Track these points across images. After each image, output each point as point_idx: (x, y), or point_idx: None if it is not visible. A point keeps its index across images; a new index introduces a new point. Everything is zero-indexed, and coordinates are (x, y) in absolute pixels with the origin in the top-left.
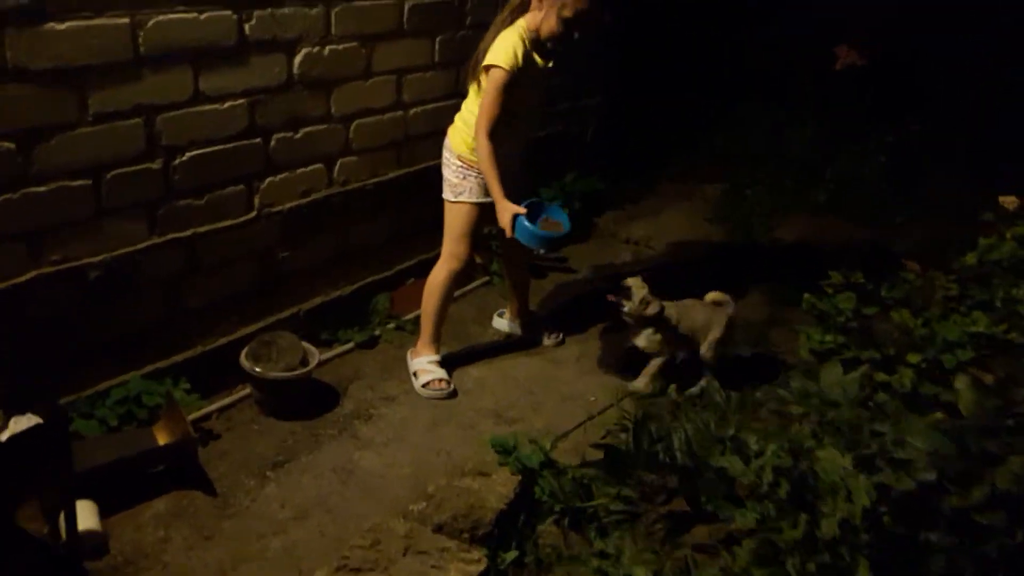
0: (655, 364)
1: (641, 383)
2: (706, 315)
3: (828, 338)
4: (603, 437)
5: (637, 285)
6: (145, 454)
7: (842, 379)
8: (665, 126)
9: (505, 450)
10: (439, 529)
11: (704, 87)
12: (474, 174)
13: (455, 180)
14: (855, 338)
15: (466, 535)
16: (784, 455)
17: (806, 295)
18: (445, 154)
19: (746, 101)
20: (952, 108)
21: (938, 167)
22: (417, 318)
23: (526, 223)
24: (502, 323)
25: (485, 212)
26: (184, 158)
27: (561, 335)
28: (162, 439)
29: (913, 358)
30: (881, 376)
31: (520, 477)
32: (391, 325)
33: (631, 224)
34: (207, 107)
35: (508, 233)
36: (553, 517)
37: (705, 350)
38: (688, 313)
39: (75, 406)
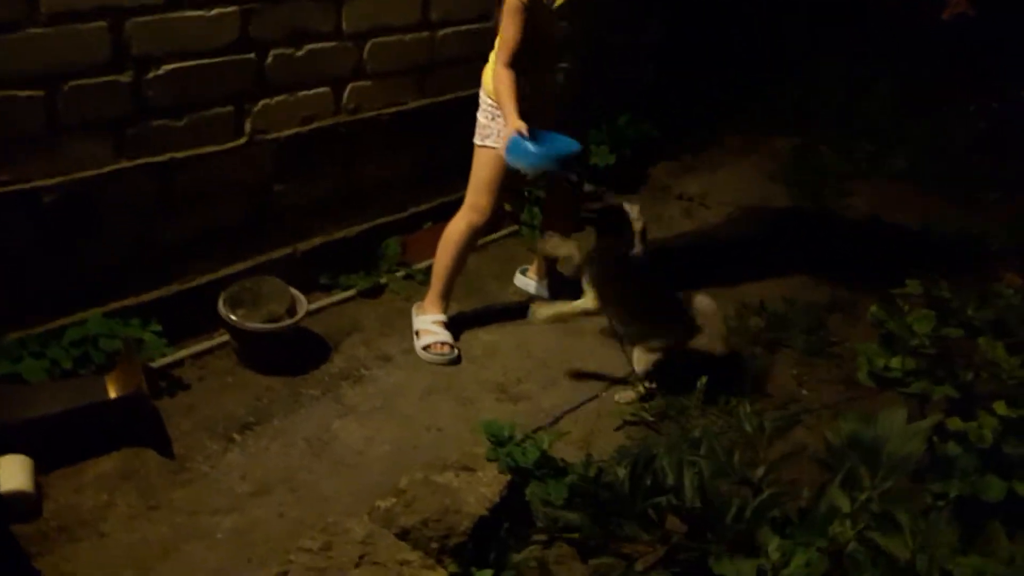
0: (576, 304)
1: (544, 313)
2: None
3: (894, 363)
4: (617, 428)
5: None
6: (87, 409)
7: (905, 432)
8: (734, 74)
9: (498, 440)
10: (404, 535)
11: (778, 32)
12: (495, 111)
13: (483, 121)
14: (927, 366)
15: (435, 545)
16: (818, 560)
17: (873, 307)
18: (480, 94)
19: (826, 51)
20: None
21: None
22: (430, 267)
23: (522, 139)
24: (525, 282)
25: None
26: (160, 71)
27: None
28: (114, 390)
29: (1000, 408)
30: (955, 423)
31: (510, 477)
32: (400, 273)
33: (686, 178)
34: (189, 13)
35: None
36: (541, 539)
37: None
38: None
39: (24, 344)
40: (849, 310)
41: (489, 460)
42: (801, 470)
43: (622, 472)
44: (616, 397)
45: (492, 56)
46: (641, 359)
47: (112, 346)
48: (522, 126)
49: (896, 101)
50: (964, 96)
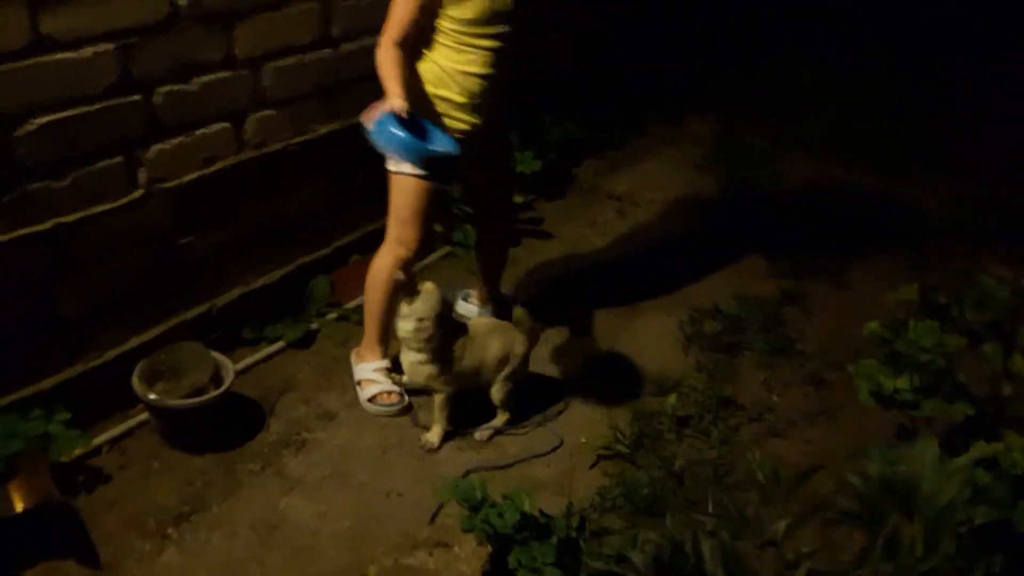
0: (438, 405)
1: (435, 436)
2: (502, 344)
3: (901, 384)
4: (593, 465)
5: (428, 293)
6: None
7: (941, 472)
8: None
9: (472, 504)
10: None
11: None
12: None
13: None
14: (935, 382)
15: None
16: None
17: (870, 324)
18: None
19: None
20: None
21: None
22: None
23: (393, 124)
24: (468, 308)
25: (430, 187)
26: (31, 127)
27: (539, 324)
28: (20, 501)
29: None
30: (982, 447)
31: (490, 548)
32: (332, 315)
33: (614, 176)
34: (59, 56)
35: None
36: None
37: (496, 391)
38: (478, 343)
39: None
40: (800, 301)
41: (464, 531)
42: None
43: (640, 559)
44: (476, 435)
45: None
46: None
47: (10, 448)
48: (402, 106)
49: (821, 80)
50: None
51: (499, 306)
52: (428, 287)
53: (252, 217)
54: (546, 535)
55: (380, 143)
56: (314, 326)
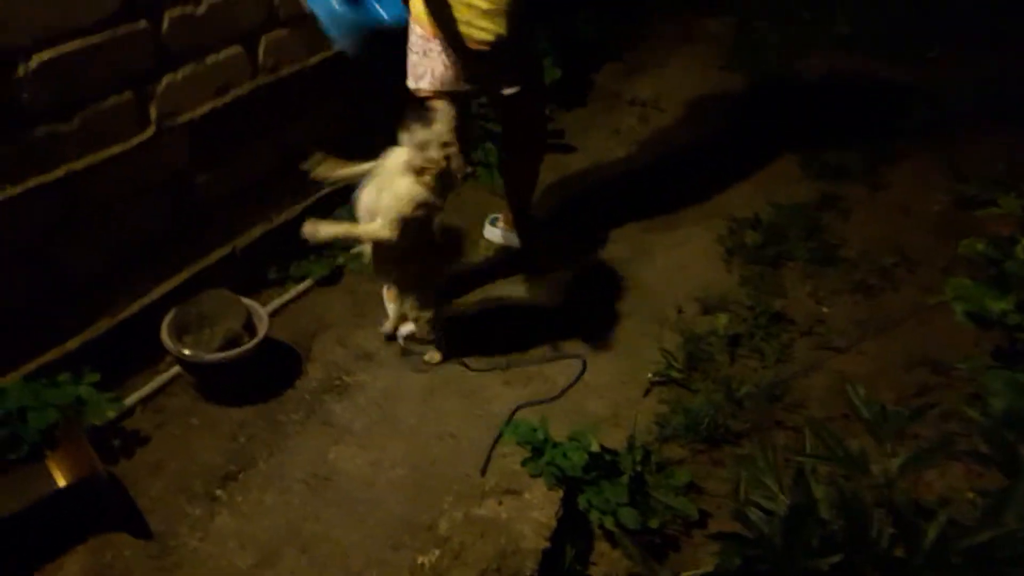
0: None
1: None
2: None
3: (1005, 305)
4: (646, 393)
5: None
6: (34, 507)
7: None
8: None
9: (536, 447)
10: None
11: None
12: (438, 48)
13: (415, 59)
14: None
15: None
16: None
17: (965, 241)
18: (409, 24)
19: None
20: None
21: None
22: None
23: None
24: (495, 232)
25: (460, 105)
26: (32, 65)
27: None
28: (62, 476)
29: None
30: None
31: (561, 492)
32: (356, 248)
33: (634, 80)
34: None
35: None
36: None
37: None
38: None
39: None
40: (838, 204)
41: (532, 476)
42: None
43: (768, 525)
44: (425, 358)
45: None
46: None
47: (45, 419)
48: None
49: None
50: None
51: (528, 230)
52: (439, 104)
53: (269, 149)
54: (615, 473)
55: (317, 15)
56: (340, 261)
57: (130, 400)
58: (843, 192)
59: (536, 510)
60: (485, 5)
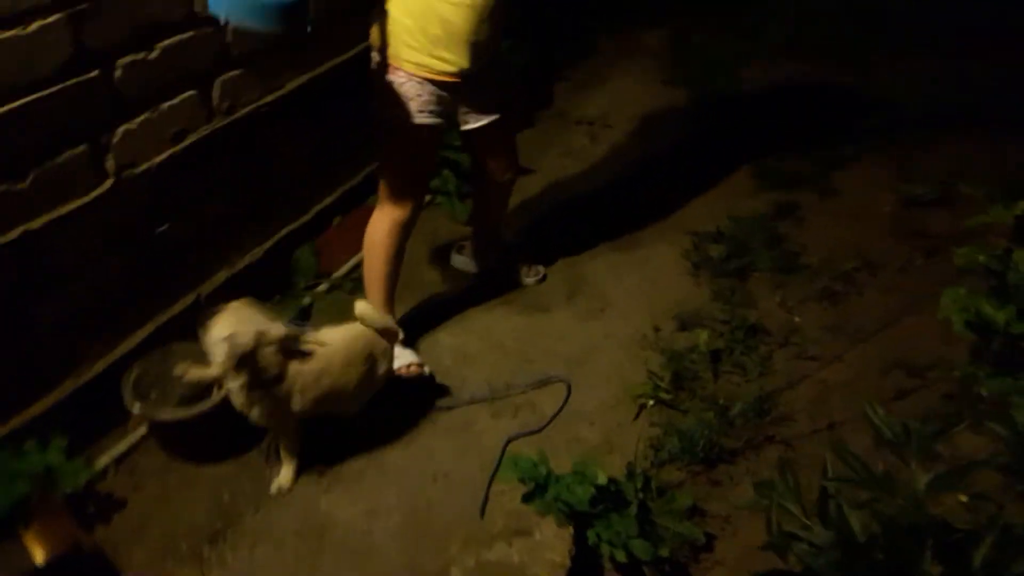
0: (283, 446)
1: (286, 478)
2: (363, 359)
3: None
4: (636, 416)
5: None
6: None
7: None
8: None
9: (537, 483)
10: None
11: None
12: (405, 77)
13: (380, 87)
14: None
15: None
16: None
17: (961, 251)
18: (372, 55)
19: None
20: None
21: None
22: (353, 270)
23: None
24: (464, 261)
25: (427, 137)
26: None
27: (541, 269)
28: (40, 552)
29: None
30: None
31: (571, 528)
32: (322, 287)
33: (580, 98)
34: (2, 36)
35: None
36: None
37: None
38: (334, 364)
39: None
40: (793, 213)
41: (539, 514)
42: None
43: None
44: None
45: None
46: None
47: (16, 492)
48: None
49: None
50: None
51: (503, 253)
52: (234, 305)
53: (228, 192)
54: (621, 504)
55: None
56: (306, 301)
57: (101, 462)
58: (797, 199)
59: (548, 550)
60: (442, 34)
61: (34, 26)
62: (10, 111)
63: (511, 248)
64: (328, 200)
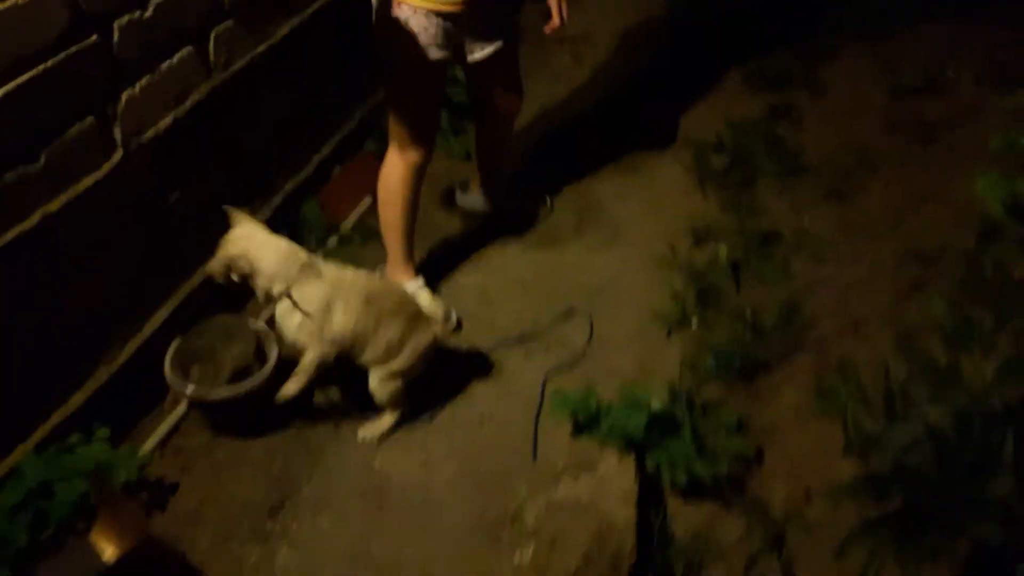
0: (303, 365)
1: (290, 389)
2: (402, 327)
3: None
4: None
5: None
6: None
7: None
8: None
9: (590, 416)
10: None
11: None
12: (409, 11)
13: (382, 21)
14: None
15: None
16: None
17: (997, 136)
18: None
19: None
20: None
21: None
22: (361, 220)
23: None
24: (470, 199)
25: (436, 74)
26: None
27: (547, 198)
28: (109, 547)
29: None
30: None
31: (633, 455)
32: (333, 241)
33: None
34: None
35: None
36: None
37: (375, 383)
38: (371, 309)
39: None
40: (788, 114)
41: (600, 446)
42: None
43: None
44: (360, 435)
45: None
46: (379, 389)
47: (76, 490)
48: None
49: None
50: None
51: (509, 187)
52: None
53: (233, 152)
54: (673, 427)
55: None
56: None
57: (146, 447)
58: (789, 100)
59: (615, 482)
60: None
61: None
62: (17, 88)
63: (516, 181)
64: (326, 150)
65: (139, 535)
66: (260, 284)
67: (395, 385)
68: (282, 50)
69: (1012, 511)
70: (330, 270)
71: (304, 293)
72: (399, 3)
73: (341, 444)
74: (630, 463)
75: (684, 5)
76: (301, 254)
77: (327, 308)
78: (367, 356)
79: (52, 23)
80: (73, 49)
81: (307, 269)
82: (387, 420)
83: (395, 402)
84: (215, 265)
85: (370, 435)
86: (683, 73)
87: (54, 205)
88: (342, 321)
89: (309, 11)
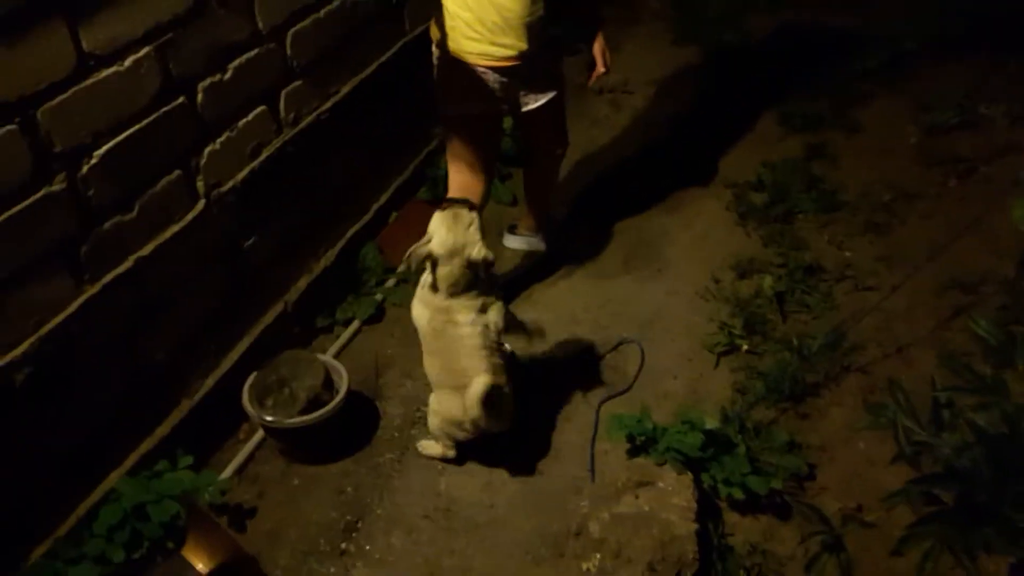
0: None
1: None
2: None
3: None
4: (717, 365)
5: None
6: None
7: None
8: None
9: (648, 437)
10: None
11: None
12: (463, 70)
13: (441, 80)
14: None
15: None
16: None
17: None
18: (433, 50)
19: None
20: None
21: None
22: None
23: None
24: (518, 240)
25: (490, 124)
26: (93, 160)
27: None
28: (201, 564)
29: None
30: None
31: (690, 473)
32: (390, 281)
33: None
34: (104, 73)
35: None
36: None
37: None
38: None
39: (55, 554)
40: (824, 153)
41: (658, 464)
42: None
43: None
44: (420, 447)
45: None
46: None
47: (168, 512)
48: None
49: None
50: None
51: (552, 229)
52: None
53: (300, 200)
54: (729, 446)
55: None
56: (379, 297)
57: (226, 474)
58: (824, 140)
59: (674, 496)
60: (500, 21)
61: (129, 61)
62: (117, 145)
63: (559, 222)
64: (384, 198)
65: (229, 551)
66: None
67: (436, 420)
68: (345, 106)
69: None
70: None
71: None
72: (457, 61)
73: (408, 469)
74: (688, 479)
75: (716, 54)
76: None
77: None
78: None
79: (147, 86)
80: (164, 109)
81: None
82: (432, 447)
83: (437, 435)
84: None
85: (423, 450)
86: (720, 118)
87: (145, 250)
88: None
89: (369, 70)
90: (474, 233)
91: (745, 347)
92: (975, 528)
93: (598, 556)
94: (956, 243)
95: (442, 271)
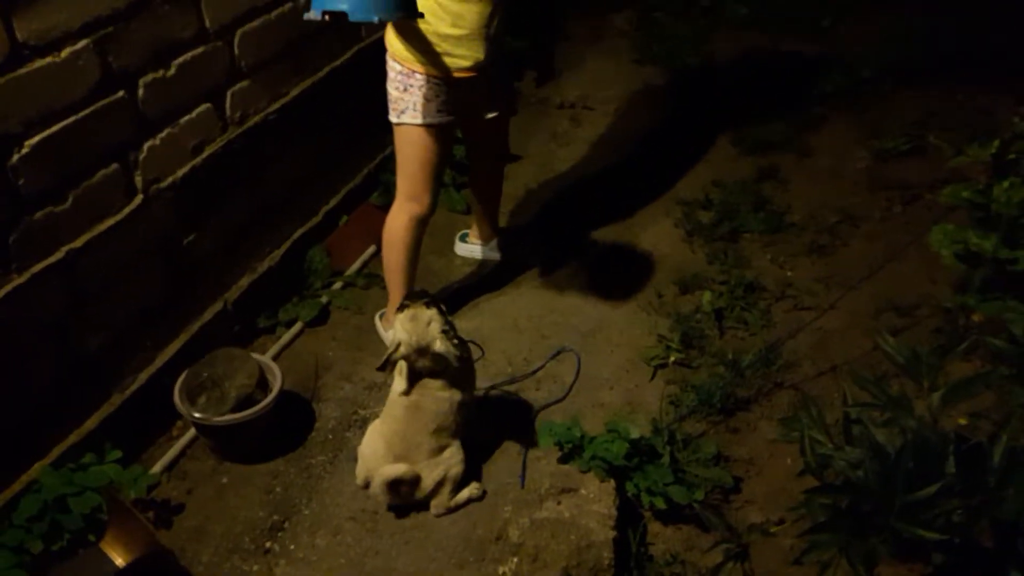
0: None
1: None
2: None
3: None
4: (652, 378)
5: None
6: None
7: None
8: None
9: (574, 445)
10: None
11: None
12: (419, 82)
13: (395, 94)
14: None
15: None
16: None
17: (946, 189)
18: (387, 61)
19: None
20: None
21: None
22: (363, 266)
23: None
24: (469, 248)
25: (443, 135)
26: (25, 150)
27: (545, 248)
28: (119, 556)
29: None
30: None
31: (613, 481)
32: (337, 284)
33: (557, 83)
34: (37, 64)
35: None
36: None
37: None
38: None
39: None
40: (775, 175)
41: (582, 472)
42: None
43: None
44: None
45: None
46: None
47: (88, 504)
48: None
49: None
50: None
51: (505, 239)
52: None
53: (245, 199)
54: (654, 456)
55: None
56: (324, 299)
57: (155, 469)
58: (776, 162)
59: (595, 503)
60: (459, 32)
61: (66, 52)
62: (50, 135)
63: (512, 232)
64: (334, 201)
65: (148, 545)
66: None
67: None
68: (294, 108)
69: (949, 515)
70: None
71: None
72: (412, 72)
73: (339, 471)
74: (610, 487)
75: (677, 76)
76: None
77: None
78: None
79: (85, 78)
80: (102, 102)
81: None
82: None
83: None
84: None
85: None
86: (676, 137)
87: (78, 242)
88: None
89: (321, 74)
90: (435, 329)
91: (673, 358)
92: (863, 537)
93: (515, 560)
94: (896, 267)
95: (417, 367)
